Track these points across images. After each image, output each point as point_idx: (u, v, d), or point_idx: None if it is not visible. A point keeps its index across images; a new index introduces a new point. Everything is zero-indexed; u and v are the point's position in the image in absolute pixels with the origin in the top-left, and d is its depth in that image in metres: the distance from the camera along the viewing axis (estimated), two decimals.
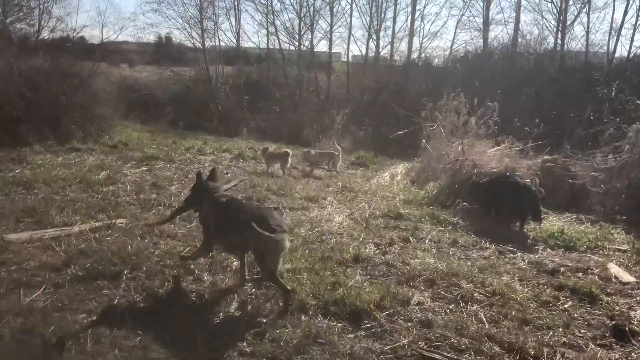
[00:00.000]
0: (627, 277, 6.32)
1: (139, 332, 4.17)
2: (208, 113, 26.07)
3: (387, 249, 6.80)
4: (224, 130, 23.95)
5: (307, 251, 6.39)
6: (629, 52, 26.18)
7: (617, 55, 26.44)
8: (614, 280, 6.27)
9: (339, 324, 4.57)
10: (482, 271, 6.18)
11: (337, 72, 31.47)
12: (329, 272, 5.66)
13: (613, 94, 20.21)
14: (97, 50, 32.84)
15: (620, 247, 7.67)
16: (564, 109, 19.71)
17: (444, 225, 8.23)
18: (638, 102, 17.31)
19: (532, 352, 4.26)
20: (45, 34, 30.28)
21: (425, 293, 5.41)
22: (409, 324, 4.69)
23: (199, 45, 28.63)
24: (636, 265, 6.92)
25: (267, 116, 27.05)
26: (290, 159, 12.17)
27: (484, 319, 4.89)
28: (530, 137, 12.12)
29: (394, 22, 31.77)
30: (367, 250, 6.57)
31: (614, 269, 6.60)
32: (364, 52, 30.55)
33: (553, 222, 9.05)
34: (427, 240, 7.32)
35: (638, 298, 5.75)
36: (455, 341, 4.37)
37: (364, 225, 8.00)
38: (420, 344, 4.31)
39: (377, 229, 7.83)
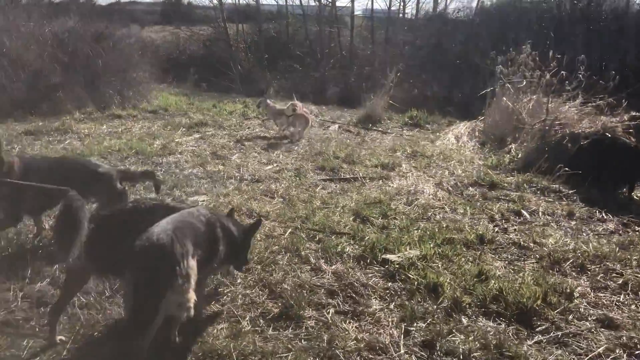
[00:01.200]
0: None
1: (289, 345, 3.46)
2: (229, 73, 25.06)
3: (506, 226, 6.03)
4: (246, 90, 23.02)
5: (418, 231, 5.64)
6: None
7: None
8: None
9: (510, 327, 3.84)
10: (626, 250, 5.40)
11: (358, 27, 30.06)
12: (463, 258, 4.91)
13: None
14: (112, 10, 31.67)
15: None
16: (614, 59, 18.50)
17: (546, 194, 7.42)
18: None
19: None
20: None
21: (581, 281, 4.66)
22: (587, 324, 3.95)
23: (216, 1, 27.34)
24: None
25: (289, 75, 25.96)
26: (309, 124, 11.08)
27: None
28: (607, 91, 11.16)
29: None
30: (486, 229, 5.81)
31: None
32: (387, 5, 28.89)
33: None
34: (540, 214, 6.53)
35: None
36: None
37: (461, 196, 7.23)
38: (619, 353, 3.58)
39: (477, 200, 7.05)
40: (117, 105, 12.31)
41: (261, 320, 3.78)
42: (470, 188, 7.66)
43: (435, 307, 4.02)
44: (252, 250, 4.30)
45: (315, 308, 3.99)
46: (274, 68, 26.29)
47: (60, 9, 15.88)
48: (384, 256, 4.83)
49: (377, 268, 4.70)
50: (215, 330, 3.60)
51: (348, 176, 8.03)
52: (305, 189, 7.24)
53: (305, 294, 4.13)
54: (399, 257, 4.78)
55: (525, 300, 4.06)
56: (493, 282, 4.36)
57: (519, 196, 7.16)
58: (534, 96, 11.39)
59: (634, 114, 10.10)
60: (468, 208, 6.60)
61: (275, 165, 8.52)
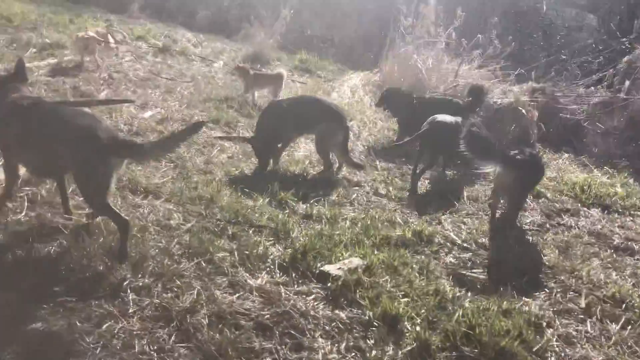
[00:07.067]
0: None
1: None
2: None
3: (437, 215, 5.30)
4: (107, 3, 19.97)
5: (347, 222, 4.71)
6: None
7: None
8: None
9: None
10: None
11: None
12: (411, 269, 4.05)
13: (544, 8, 19.57)
14: None
15: None
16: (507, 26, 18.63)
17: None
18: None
19: None
20: None
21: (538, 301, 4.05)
22: None
23: None
24: None
25: None
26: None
27: None
28: (502, 57, 10.89)
29: None
30: (419, 220, 5.03)
31: None
32: None
33: (559, 163, 7.98)
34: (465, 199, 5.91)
35: None
36: None
37: (376, 169, 6.45)
38: None
39: (395, 177, 6.31)
40: None
41: None
42: (382, 159, 6.88)
43: (399, 352, 3.13)
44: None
45: (246, 357, 2.91)
46: None
47: None
48: (321, 268, 3.81)
49: (314, 285, 3.68)
50: None
51: (247, 134, 6.82)
52: (199, 150, 5.94)
53: (229, 335, 3.01)
54: (339, 269, 3.79)
55: (500, 339, 3.32)
56: (457, 311, 3.55)
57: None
58: (432, 53, 10.82)
59: (534, 85, 9.95)
60: (391, 188, 5.80)
61: (156, 111, 7.01)
